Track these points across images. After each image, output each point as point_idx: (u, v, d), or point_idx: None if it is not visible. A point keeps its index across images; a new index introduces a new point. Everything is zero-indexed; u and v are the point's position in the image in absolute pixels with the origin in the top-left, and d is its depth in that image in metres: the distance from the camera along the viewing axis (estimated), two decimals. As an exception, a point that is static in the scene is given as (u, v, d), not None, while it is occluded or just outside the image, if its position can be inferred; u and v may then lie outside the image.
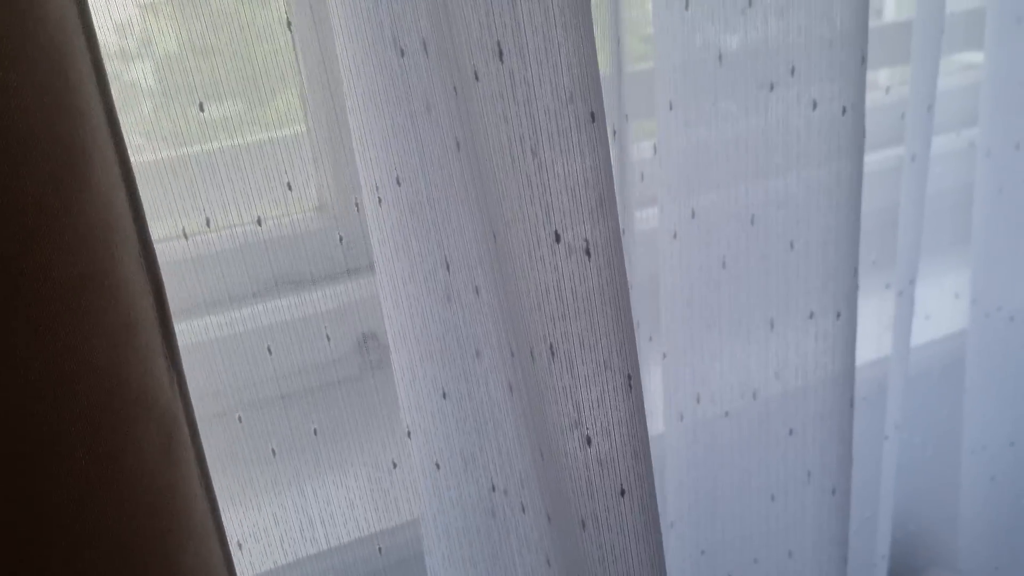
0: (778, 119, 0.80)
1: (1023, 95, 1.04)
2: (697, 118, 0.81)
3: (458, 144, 0.65)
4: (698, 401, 0.91)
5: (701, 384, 0.91)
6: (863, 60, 0.79)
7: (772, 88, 0.79)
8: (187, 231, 0.68)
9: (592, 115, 0.59)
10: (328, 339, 0.75)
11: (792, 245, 0.85)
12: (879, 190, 1.00)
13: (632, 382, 0.65)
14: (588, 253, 0.61)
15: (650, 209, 0.87)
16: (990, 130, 1.06)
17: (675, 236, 0.85)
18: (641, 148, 0.84)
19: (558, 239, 0.61)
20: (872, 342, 1.08)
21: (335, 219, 0.73)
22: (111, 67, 0.55)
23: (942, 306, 1.19)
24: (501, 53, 0.57)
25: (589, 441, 0.66)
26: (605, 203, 0.61)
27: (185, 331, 0.68)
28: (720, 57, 0.79)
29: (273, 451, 0.76)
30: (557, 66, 0.58)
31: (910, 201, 1.01)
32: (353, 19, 0.65)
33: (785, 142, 0.81)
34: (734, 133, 0.81)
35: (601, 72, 0.59)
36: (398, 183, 0.70)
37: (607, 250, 0.61)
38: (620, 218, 0.81)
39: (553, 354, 0.64)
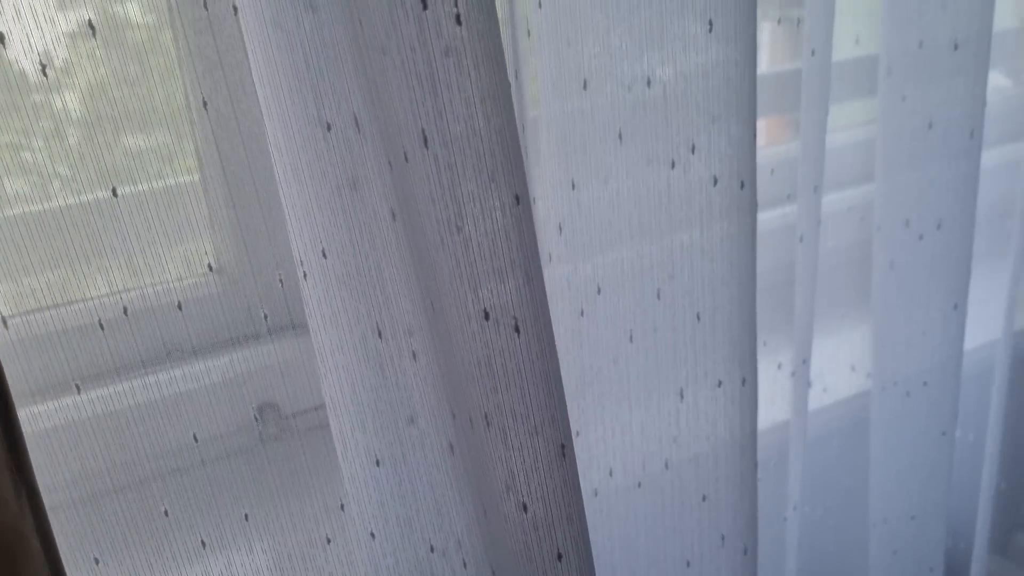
0: (680, 196, 0.83)
1: (910, 174, 1.09)
2: (600, 196, 0.83)
3: (393, 215, 0.66)
4: (611, 475, 0.92)
5: (613, 458, 0.92)
6: (754, 136, 0.82)
7: (673, 166, 0.82)
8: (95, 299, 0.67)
9: (516, 197, 0.60)
10: (257, 420, 0.74)
11: (699, 317, 0.87)
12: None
13: (565, 450, 0.68)
14: (517, 330, 0.63)
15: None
16: (881, 206, 1.11)
17: (582, 314, 0.86)
18: (548, 228, 0.86)
19: (487, 316, 0.63)
20: (770, 418, 1.11)
21: (258, 296, 0.72)
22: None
23: (839, 380, 1.23)
24: (426, 139, 0.59)
25: (525, 507, 0.68)
26: (532, 280, 0.63)
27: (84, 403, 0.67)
28: (620, 136, 0.81)
29: (203, 543, 0.73)
30: (480, 152, 0.59)
31: (802, 282, 1.05)
32: (275, 97, 0.65)
33: (688, 218, 0.83)
34: (637, 210, 0.83)
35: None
36: (324, 255, 0.70)
37: (536, 326, 0.63)
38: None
39: (488, 424, 0.66)
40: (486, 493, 0.70)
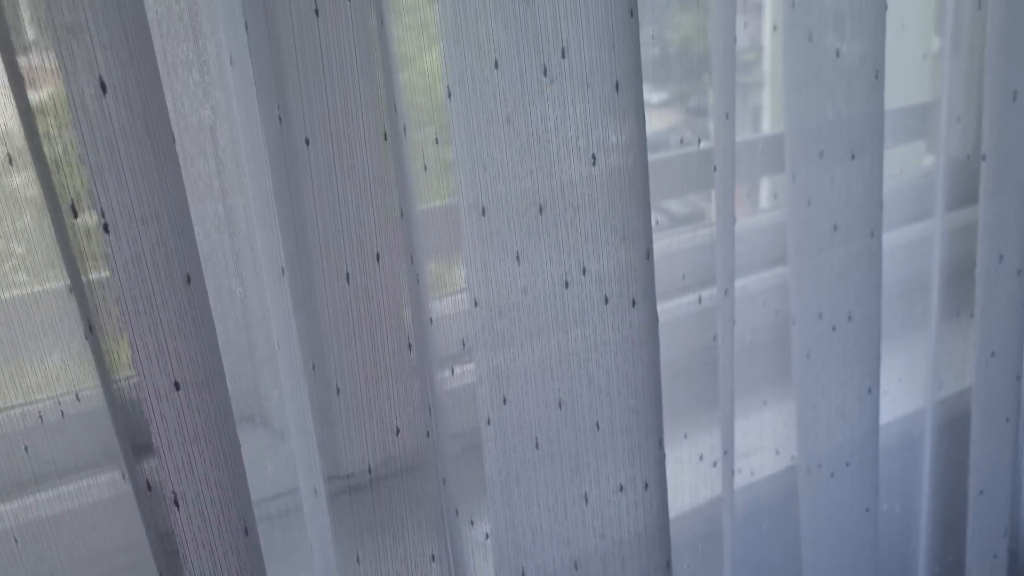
0: (576, 313, 0.87)
1: (820, 271, 1.14)
2: (501, 313, 0.87)
3: None
4: (523, 575, 0.95)
5: (526, 558, 0.95)
6: (648, 255, 0.86)
7: (567, 286, 0.86)
8: None
9: (176, 384, 0.67)
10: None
11: (598, 425, 0.91)
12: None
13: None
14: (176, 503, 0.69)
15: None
16: (796, 300, 1.16)
17: (489, 422, 0.90)
18: (452, 342, 0.90)
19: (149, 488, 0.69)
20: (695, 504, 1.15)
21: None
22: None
23: (764, 463, 1.27)
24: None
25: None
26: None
27: None
28: (518, 258, 0.85)
29: None
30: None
31: (721, 379, 1.09)
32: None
33: (583, 334, 0.87)
34: (536, 327, 0.87)
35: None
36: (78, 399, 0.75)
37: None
38: (436, 413, 0.87)
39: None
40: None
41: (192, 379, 0.66)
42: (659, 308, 0.90)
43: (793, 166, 1.10)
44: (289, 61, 0.71)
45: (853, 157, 1.07)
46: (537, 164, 0.82)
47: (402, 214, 0.79)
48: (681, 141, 1.13)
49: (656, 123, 1.05)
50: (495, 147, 0.82)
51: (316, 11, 0.71)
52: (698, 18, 1.05)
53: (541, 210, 0.84)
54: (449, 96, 0.81)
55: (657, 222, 1.08)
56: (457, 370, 0.91)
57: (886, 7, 1.06)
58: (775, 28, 1.11)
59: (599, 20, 0.80)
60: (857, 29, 1.05)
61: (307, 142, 0.73)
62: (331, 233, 0.75)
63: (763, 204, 1.31)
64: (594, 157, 0.82)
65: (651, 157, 0.86)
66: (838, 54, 1.04)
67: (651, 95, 1.07)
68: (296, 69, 0.71)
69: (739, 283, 1.13)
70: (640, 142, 0.84)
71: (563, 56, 0.80)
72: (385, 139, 0.76)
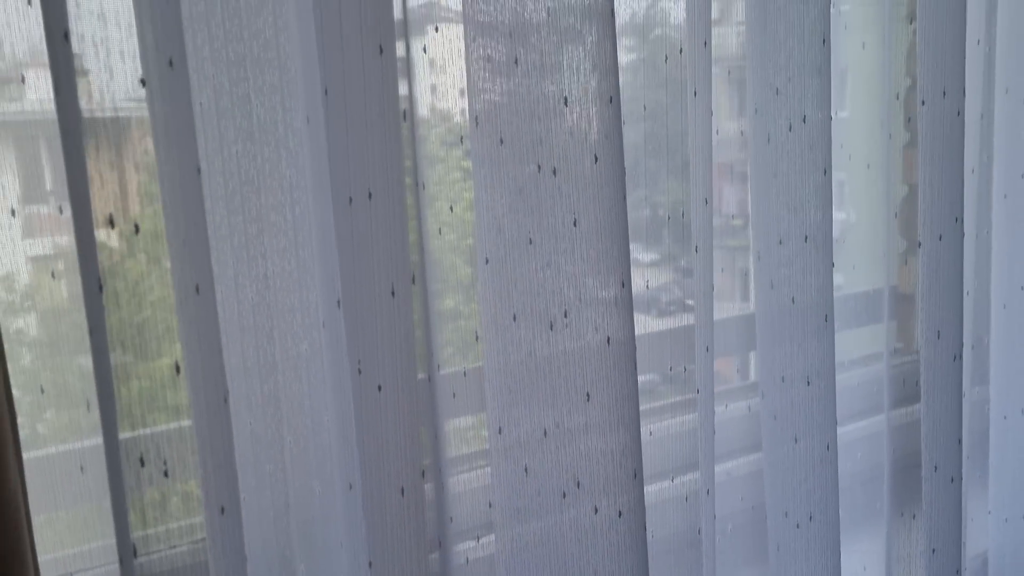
0: (571, 521, 1.05)
1: (786, 476, 1.33)
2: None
3: None
4: None
5: None
6: (635, 475, 1.05)
7: (564, 496, 1.04)
8: None
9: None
10: None
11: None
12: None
13: None
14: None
15: None
16: (768, 499, 1.35)
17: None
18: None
19: None
20: None
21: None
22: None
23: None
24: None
25: None
26: None
27: None
28: (526, 471, 1.04)
29: None
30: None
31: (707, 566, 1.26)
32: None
33: (577, 538, 1.05)
34: (541, 531, 1.05)
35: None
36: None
37: None
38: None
39: None
40: None
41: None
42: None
43: (763, 386, 1.30)
44: (368, 329, 0.92)
45: (809, 383, 1.27)
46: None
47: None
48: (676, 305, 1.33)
49: (642, 280, 1.24)
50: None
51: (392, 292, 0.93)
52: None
53: (546, 433, 1.03)
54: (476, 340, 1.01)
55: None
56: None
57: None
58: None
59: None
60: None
61: (379, 388, 0.93)
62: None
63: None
64: (588, 394, 1.02)
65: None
66: (793, 301, 1.25)
67: (642, 254, 1.25)
68: (374, 330, 0.93)
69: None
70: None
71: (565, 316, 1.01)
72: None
